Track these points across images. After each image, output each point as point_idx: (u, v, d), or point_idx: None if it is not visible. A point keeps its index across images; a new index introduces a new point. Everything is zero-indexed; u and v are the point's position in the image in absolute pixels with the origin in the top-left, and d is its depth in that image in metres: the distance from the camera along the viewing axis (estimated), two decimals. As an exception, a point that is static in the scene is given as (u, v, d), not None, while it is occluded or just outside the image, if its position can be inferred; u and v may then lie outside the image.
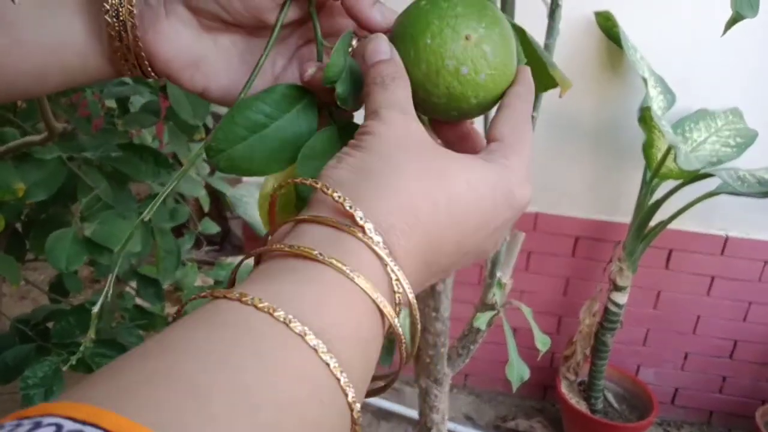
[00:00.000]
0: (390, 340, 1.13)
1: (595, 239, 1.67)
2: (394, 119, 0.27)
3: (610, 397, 1.71)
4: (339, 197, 0.24)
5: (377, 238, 0.24)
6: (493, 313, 0.77)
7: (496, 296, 0.77)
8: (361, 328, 0.23)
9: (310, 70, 0.30)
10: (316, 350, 0.20)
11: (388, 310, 0.23)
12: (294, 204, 0.31)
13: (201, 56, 0.31)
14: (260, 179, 0.35)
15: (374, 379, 0.28)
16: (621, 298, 1.51)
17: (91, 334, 0.52)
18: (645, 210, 1.40)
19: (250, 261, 0.28)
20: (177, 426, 0.16)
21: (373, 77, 0.28)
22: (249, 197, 1.08)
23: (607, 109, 1.51)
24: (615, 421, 1.63)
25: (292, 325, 0.20)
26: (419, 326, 0.26)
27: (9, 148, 0.80)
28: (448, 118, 0.32)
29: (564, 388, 1.66)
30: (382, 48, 0.29)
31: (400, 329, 0.24)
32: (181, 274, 1.16)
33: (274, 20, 0.30)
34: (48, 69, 0.30)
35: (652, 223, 1.42)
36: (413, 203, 0.25)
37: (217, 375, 0.18)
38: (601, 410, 1.65)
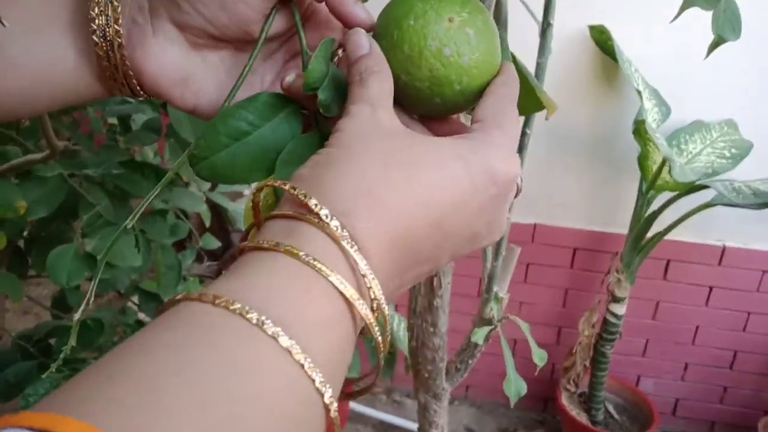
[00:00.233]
0: (390, 352, 1.13)
1: (593, 250, 1.68)
2: (361, 112, 0.27)
3: (611, 408, 1.70)
4: (294, 189, 0.24)
5: (334, 223, 0.23)
6: (490, 327, 0.78)
7: (494, 311, 0.78)
8: (321, 311, 0.22)
9: (289, 77, 0.30)
10: (275, 338, 0.20)
11: (349, 291, 0.23)
12: (274, 205, 0.31)
13: (189, 73, 0.32)
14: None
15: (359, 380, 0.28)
16: (620, 309, 1.51)
17: (72, 341, 0.53)
18: (642, 221, 1.41)
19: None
20: (132, 426, 0.16)
21: (353, 74, 0.29)
22: (249, 212, 1.09)
23: (603, 122, 1.53)
24: (616, 432, 1.63)
25: (249, 315, 0.20)
26: (386, 309, 0.25)
27: (11, 166, 0.81)
28: (433, 110, 0.31)
29: (564, 400, 1.66)
30: (361, 42, 0.29)
31: (364, 309, 0.23)
32: (182, 289, 1.17)
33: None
34: (37, 89, 0.30)
35: (649, 234, 1.43)
36: (371, 185, 0.24)
37: (174, 372, 0.18)
38: (602, 422, 1.65)
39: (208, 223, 1.21)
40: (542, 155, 1.56)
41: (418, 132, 0.29)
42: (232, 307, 0.20)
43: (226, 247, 2.05)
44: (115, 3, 0.29)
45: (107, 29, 0.29)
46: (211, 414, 0.18)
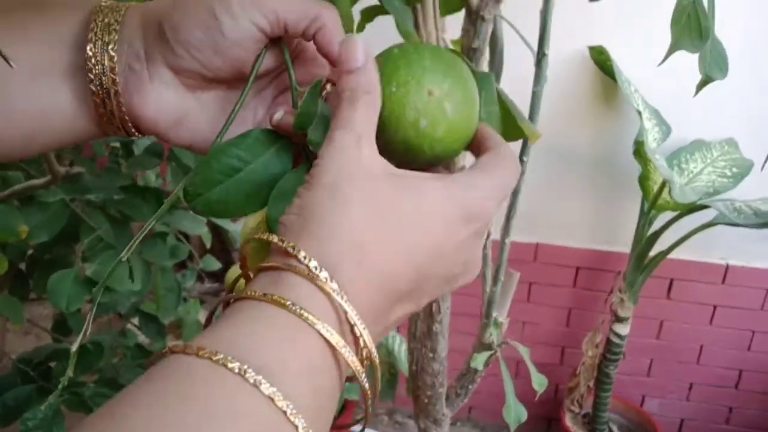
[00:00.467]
0: (392, 374, 1.12)
1: (595, 269, 1.67)
2: (346, 143, 0.27)
3: (615, 428, 1.68)
4: (282, 242, 0.25)
5: (323, 274, 0.24)
6: (490, 353, 0.77)
7: (493, 336, 0.77)
8: (306, 359, 0.23)
9: (278, 114, 0.31)
10: (257, 386, 0.20)
11: (335, 338, 0.23)
12: (264, 251, 0.32)
13: (185, 114, 0.32)
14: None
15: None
16: (623, 329, 1.50)
17: (70, 372, 0.53)
18: (644, 241, 1.41)
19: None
20: None
21: (342, 88, 0.28)
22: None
23: (604, 141, 1.53)
24: (621, 453, 1.61)
25: (230, 365, 0.21)
26: (375, 357, 0.25)
27: (14, 191, 0.82)
28: (407, 165, 0.32)
29: (568, 421, 1.64)
30: (356, 54, 0.28)
31: (350, 357, 0.24)
32: (182, 311, 1.17)
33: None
34: (36, 133, 0.31)
35: (652, 253, 1.43)
36: (358, 238, 0.25)
37: (161, 427, 0.19)
38: (606, 443, 1.63)
39: (208, 245, 1.21)
40: (544, 174, 1.56)
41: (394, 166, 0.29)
42: (215, 358, 0.21)
43: (226, 268, 2.05)
44: (111, 53, 0.30)
45: (104, 78, 0.30)
46: None
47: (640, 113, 1.32)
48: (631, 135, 1.40)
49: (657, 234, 1.39)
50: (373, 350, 0.24)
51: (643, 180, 1.37)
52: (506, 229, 0.82)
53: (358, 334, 0.24)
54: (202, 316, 1.26)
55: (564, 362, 1.78)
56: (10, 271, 0.96)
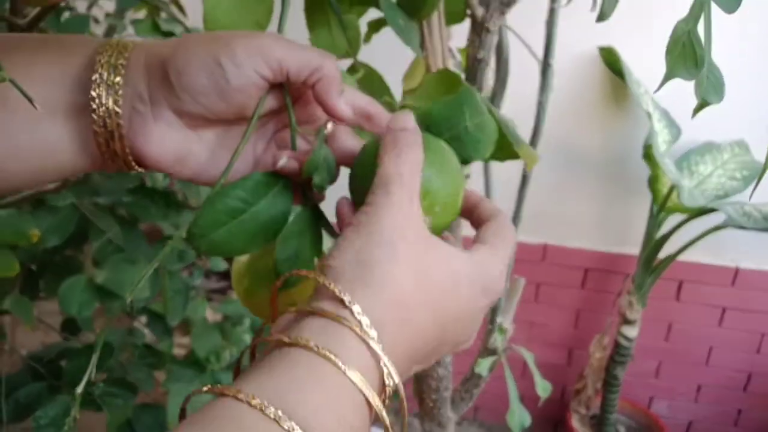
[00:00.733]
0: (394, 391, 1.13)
1: (605, 271, 1.66)
2: (402, 200, 0.28)
3: (623, 430, 1.68)
4: (339, 291, 0.26)
5: (372, 333, 0.25)
6: (494, 358, 0.78)
7: (498, 341, 0.77)
8: (347, 422, 0.24)
9: (282, 160, 0.32)
10: None
11: (377, 402, 0.25)
12: (271, 283, 0.33)
13: (187, 152, 0.33)
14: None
15: None
16: (631, 331, 1.50)
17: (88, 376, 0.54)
18: (653, 244, 1.40)
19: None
20: None
21: (394, 141, 0.30)
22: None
23: (614, 143, 1.52)
24: (627, 455, 1.61)
25: (282, 422, 0.22)
26: (406, 409, 0.28)
27: (24, 196, 0.83)
28: None
29: (575, 422, 1.64)
30: (410, 122, 0.31)
31: (387, 420, 0.26)
32: (189, 309, 1.18)
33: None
34: (41, 169, 0.32)
35: (661, 255, 1.42)
36: (405, 299, 0.27)
37: None
38: (613, 444, 1.63)
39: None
40: (553, 175, 1.56)
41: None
42: (266, 411, 0.22)
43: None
44: (116, 96, 0.30)
45: (108, 120, 0.30)
46: None
47: (649, 115, 1.31)
48: (640, 136, 1.39)
49: (666, 237, 1.38)
50: (405, 403, 0.28)
51: (653, 182, 1.36)
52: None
53: (393, 389, 0.26)
54: (209, 314, 1.28)
55: (572, 363, 1.78)
56: (21, 272, 0.98)
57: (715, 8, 0.32)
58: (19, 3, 0.66)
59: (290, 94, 0.33)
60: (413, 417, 2.02)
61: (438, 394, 0.82)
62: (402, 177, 0.29)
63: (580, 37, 1.37)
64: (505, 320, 0.79)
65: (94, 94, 0.30)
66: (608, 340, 1.56)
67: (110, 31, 0.83)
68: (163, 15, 0.86)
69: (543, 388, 0.73)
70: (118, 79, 0.30)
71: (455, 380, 0.84)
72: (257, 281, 0.37)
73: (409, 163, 0.29)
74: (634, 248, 1.55)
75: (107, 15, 1.01)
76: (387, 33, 0.60)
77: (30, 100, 0.24)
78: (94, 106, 0.30)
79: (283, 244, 0.32)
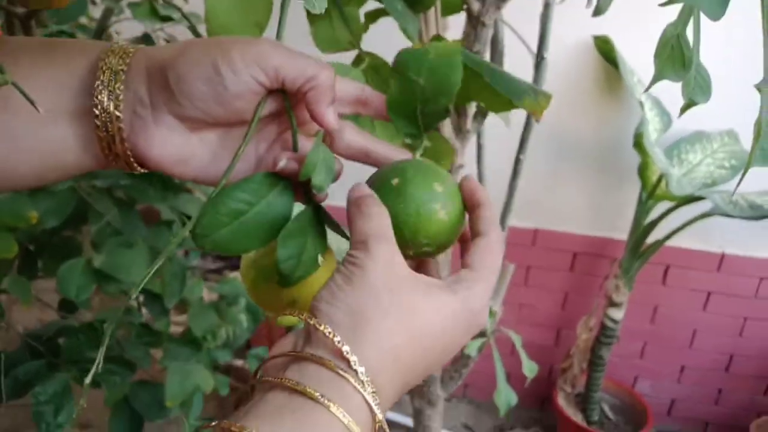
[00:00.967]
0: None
1: (593, 255, 1.69)
2: (382, 253, 0.31)
3: (607, 408, 1.73)
4: (338, 342, 0.28)
5: (368, 386, 0.28)
6: (483, 340, 0.80)
7: (487, 324, 0.80)
8: None
9: (282, 162, 0.33)
10: None
11: None
12: (275, 278, 0.35)
13: (189, 154, 0.34)
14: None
15: None
16: (617, 313, 1.54)
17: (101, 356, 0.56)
18: (641, 229, 1.43)
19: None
20: None
21: (356, 204, 0.33)
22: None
23: (606, 130, 1.54)
24: (610, 432, 1.66)
25: None
26: None
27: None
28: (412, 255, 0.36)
29: (561, 400, 1.69)
30: (364, 189, 0.34)
31: None
32: (186, 290, 1.20)
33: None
34: (45, 170, 0.33)
35: (649, 240, 1.45)
36: (396, 347, 0.29)
37: None
38: (597, 422, 1.68)
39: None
40: (544, 162, 1.58)
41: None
42: None
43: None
44: (117, 101, 0.31)
45: (109, 125, 0.31)
46: None
47: (641, 104, 1.33)
48: (632, 124, 1.41)
49: (654, 223, 1.41)
50: None
51: (642, 170, 1.38)
52: (504, 218, 0.84)
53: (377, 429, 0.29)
54: (205, 294, 1.30)
55: (559, 344, 1.82)
56: (19, 252, 0.99)
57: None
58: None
59: (291, 97, 0.34)
60: (404, 394, 2.06)
61: (429, 374, 0.85)
62: (376, 232, 0.31)
63: (575, 25, 1.37)
64: (495, 303, 0.81)
65: (96, 100, 0.31)
66: (595, 322, 1.60)
67: (107, 14, 0.83)
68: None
69: (530, 369, 0.76)
70: (119, 84, 0.31)
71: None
72: (261, 276, 0.39)
73: (376, 218, 0.32)
74: (622, 234, 1.57)
75: (103, -3, 1.01)
76: (384, 26, 0.61)
77: (32, 103, 0.25)
78: (97, 112, 0.31)
79: (284, 243, 0.33)
